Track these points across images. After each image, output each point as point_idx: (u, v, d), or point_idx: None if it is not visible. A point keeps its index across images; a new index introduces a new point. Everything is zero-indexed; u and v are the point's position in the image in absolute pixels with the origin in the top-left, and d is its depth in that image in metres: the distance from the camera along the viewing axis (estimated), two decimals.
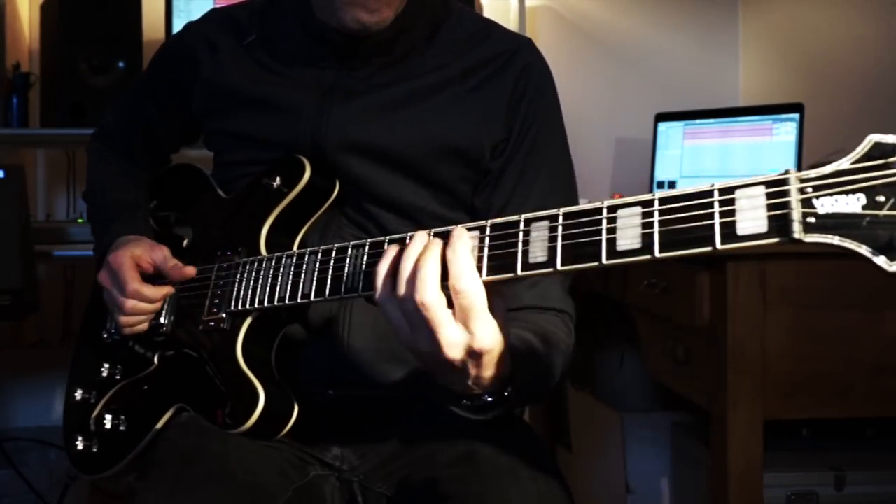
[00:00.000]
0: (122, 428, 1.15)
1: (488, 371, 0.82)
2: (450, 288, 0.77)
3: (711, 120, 2.36)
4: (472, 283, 0.77)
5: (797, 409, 1.52)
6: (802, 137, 2.16)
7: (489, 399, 0.87)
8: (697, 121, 2.39)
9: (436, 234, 0.82)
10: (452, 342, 0.78)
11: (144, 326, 1.15)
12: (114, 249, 1.15)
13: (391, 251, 0.82)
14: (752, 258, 1.48)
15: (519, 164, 1.11)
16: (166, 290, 1.13)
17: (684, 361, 1.64)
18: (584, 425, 2.36)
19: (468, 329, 0.78)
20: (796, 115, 2.17)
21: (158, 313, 1.15)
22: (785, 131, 2.19)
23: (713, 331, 1.53)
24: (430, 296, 0.77)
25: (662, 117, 2.46)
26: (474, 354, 0.79)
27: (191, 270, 1.13)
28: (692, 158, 2.39)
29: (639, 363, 1.91)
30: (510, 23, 2.55)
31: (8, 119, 2.26)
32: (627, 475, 2.07)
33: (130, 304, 1.12)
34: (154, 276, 1.14)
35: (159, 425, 1.09)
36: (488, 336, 0.78)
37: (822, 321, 1.51)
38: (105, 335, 1.22)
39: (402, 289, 0.79)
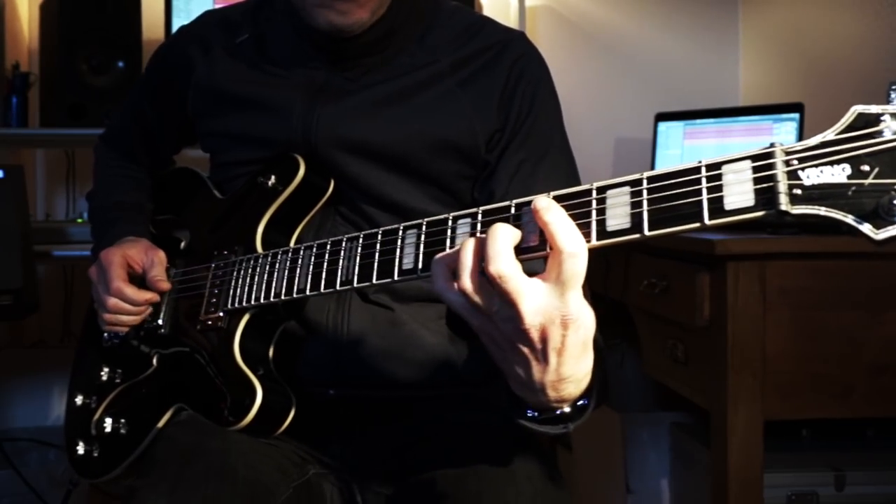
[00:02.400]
0: (122, 431, 1.15)
1: (569, 365, 0.72)
2: (559, 252, 0.68)
3: (711, 120, 2.36)
4: (581, 246, 0.69)
5: (797, 409, 1.52)
6: (802, 137, 2.16)
7: (567, 409, 0.78)
8: (697, 121, 2.39)
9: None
10: (538, 307, 0.68)
11: (125, 329, 1.15)
12: (109, 247, 1.15)
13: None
14: (752, 258, 1.48)
15: (517, 153, 1.09)
16: (149, 295, 1.13)
17: (684, 361, 1.64)
18: (584, 425, 2.36)
19: (561, 294, 0.68)
20: (796, 115, 2.17)
21: (156, 315, 1.15)
22: (785, 131, 2.19)
23: (713, 331, 1.52)
24: (504, 265, 0.68)
25: (662, 117, 2.46)
26: (559, 326, 0.69)
27: (165, 286, 1.14)
28: (692, 158, 2.36)
29: (639, 363, 1.91)
30: (510, 22, 2.55)
31: (7, 119, 2.26)
32: (627, 475, 2.07)
33: (112, 301, 1.12)
34: (143, 280, 1.15)
35: (159, 426, 1.10)
36: (583, 306, 0.69)
37: (823, 321, 1.50)
38: (105, 339, 1.22)
39: (468, 266, 0.70)
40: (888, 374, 1.51)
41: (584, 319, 0.70)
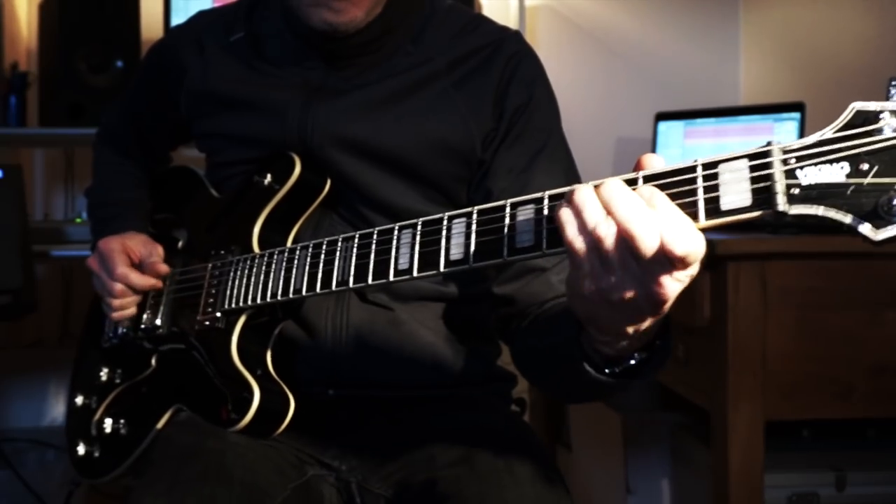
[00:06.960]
0: (122, 431, 1.15)
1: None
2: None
3: (712, 119, 2.35)
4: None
5: (798, 409, 1.52)
6: (803, 137, 2.15)
7: (632, 362, 0.78)
8: (698, 120, 2.38)
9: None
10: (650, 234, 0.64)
11: (133, 311, 1.16)
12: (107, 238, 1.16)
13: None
14: (752, 258, 1.48)
15: (512, 149, 1.08)
16: (153, 281, 1.15)
17: (684, 361, 1.64)
18: (584, 425, 2.36)
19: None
20: (797, 115, 2.16)
21: (154, 314, 1.15)
22: (786, 130, 2.18)
23: (713, 331, 1.52)
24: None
25: (662, 117, 2.45)
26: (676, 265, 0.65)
27: (163, 268, 1.15)
28: (693, 158, 2.38)
29: None
30: (510, 22, 2.54)
31: (6, 119, 2.26)
32: (627, 475, 2.06)
33: (119, 287, 1.13)
34: (141, 271, 1.15)
35: (158, 426, 1.09)
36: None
37: (823, 321, 1.50)
38: (104, 340, 1.22)
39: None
40: (889, 374, 1.50)
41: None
